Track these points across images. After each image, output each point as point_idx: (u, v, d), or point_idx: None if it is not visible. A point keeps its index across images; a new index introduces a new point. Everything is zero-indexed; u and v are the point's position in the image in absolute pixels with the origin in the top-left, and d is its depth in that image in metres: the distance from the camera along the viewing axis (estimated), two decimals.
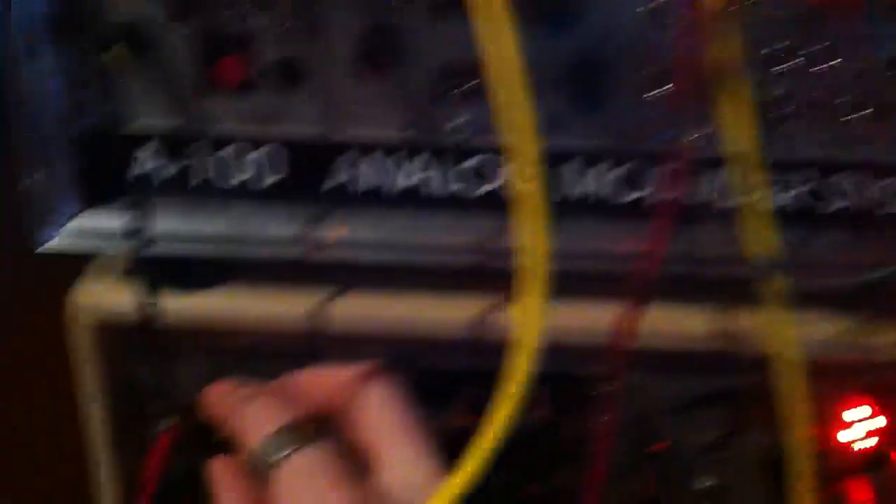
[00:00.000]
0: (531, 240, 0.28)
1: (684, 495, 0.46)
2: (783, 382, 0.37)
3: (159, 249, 0.39)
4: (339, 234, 0.39)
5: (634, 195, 0.40)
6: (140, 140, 0.39)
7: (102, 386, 0.42)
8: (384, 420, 0.34)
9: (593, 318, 0.41)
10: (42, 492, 0.65)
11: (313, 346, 0.42)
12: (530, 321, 0.28)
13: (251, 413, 0.34)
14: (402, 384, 0.36)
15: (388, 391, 0.35)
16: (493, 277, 0.41)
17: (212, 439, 0.40)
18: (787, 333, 0.37)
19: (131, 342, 0.42)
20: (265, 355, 0.43)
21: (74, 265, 0.41)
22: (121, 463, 0.44)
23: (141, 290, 0.40)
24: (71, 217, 0.38)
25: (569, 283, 0.40)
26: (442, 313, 0.41)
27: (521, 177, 0.29)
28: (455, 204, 0.40)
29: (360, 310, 0.41)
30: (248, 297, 0.41)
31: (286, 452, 0.32)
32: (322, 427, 0.34)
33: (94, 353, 0.41)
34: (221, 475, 0.38)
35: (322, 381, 0.36)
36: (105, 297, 0.40)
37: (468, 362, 0.42)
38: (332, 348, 0.42)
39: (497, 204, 0.40)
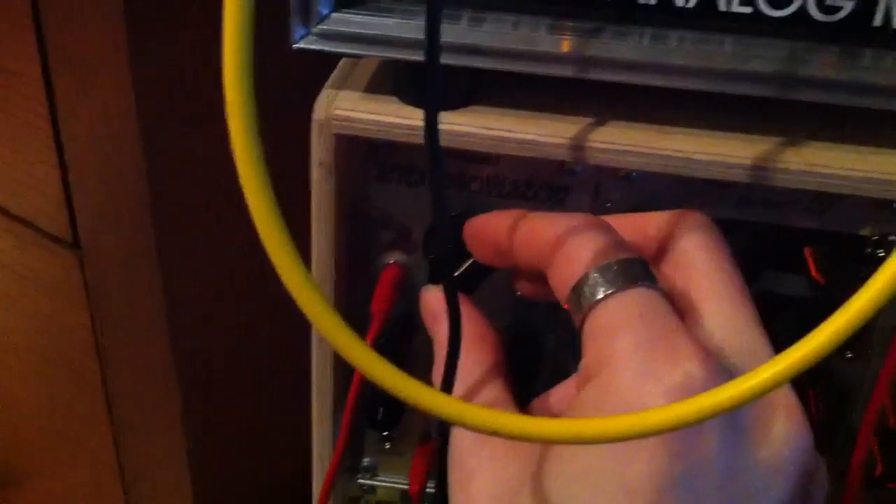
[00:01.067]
0: None
1: None
2: None
3: (414, 58, 0.35)
4: (614, 53, 0.35)
5: None
6: None
7: (336, 201, 0.39)
8: (704, 270, 0.31)
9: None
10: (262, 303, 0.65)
11: (571, 177, 0.38)
12: None
13: (577, 244, 0.30)
14: (721, 234, 0.32)
15: (710, 239, 0.31)
16: (782, 113, 0.37)
17: (454, 272, 0.38)
18: None
19: (373, 159, 0.39)
20: (515, 187, 0.39)
21: (328, 67, 0.38)
22: (345, 291, 0.42)
23: (389, 102, 0.37)
24: (327, 16, 0.35)
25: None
26: (719, 151, 0.36)
27: None
28: (751, 25, 0.35)
29: (627, 141, 0.36)
30: (504, 118, 0.37)
31: (617, 287, 0.29)
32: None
33: (333, 164, 0.38)
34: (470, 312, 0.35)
35: (634, 223, 0.33)
36: (351, 105, 0.37)
37: (740, 211, 0.38)
38: (591, 181, 0.39)
39: (798, 28, 0.35)
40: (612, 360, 0.28)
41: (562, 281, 0.31)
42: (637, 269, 0.29)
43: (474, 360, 0.35)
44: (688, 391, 0.27)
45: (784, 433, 0.29)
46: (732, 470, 0.28)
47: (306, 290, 0.24)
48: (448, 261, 0.35)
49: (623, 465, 0.27)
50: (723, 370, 0.28)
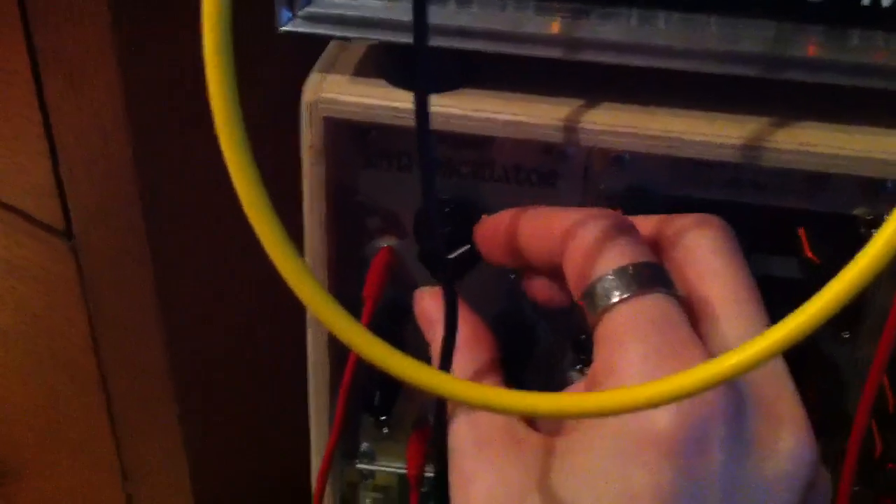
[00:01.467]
0: None
1: None
2: None
3: (401, 40, 0.35)
4: (602, 34, 0.35)
5: None
6: None
7: (326, 186, 0.38)
8: (719, 274, 0.30)
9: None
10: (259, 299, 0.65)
11: (562, 161, 0.38)
12: None
13: (596, 242, 0.30)
14: (735, 237, 0.31)
15: (725, 243, 0.31)
16: (773, 93, 0.36)
17: (445, 259, 0.38)
18: None
19: (362, 144, 0.39)
20: (505, 172, 0.39)
21: (315, 50, 0.38)
22: (338, 277, 0.42)
23: (378, 85, 0.37)
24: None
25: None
26: (710, 132, 0.36)
27: None
28: (738, 5, 0.35)
29: (617, 122, 0.36)
30: (493, 100, 0.37)
31: (632, 292, 0.29)
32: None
33: (322, 149, 0.38)
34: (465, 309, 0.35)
35: (650, 224, 0.32)
36: (338, 88, 0.37)
37: (731, 192, 0.38)
38: (581, 164, 0.38)
39: (786, 8, 0.35)
40: (619, 369, 0.28)
41: (579, 277, 0.30)
42: (654, 275, 0.29)
43: (470, 358, 0.35)
44: (695, 405, 0.27)
45: (790, 448, 0.28)
46: (736, 483, 0.28)
47: (297, 271, 0.24)
48: (439, 246, 0.35)
49: (628, 472, 0.27)
50: (730, 385, 0.28)
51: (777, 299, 0.40)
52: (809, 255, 0.38)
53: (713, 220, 0.32)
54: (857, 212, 0.38)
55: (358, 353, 0.25)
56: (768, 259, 0.39)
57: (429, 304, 0.36)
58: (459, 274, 0.39)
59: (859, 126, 0.36)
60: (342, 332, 0.25)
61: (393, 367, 0.26)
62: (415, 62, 0.28)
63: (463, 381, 0.27)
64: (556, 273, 0.32)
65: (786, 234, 0.38)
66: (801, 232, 0.38)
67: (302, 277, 0.24)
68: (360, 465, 0.49)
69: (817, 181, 0.38)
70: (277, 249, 0.24)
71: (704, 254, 0.31)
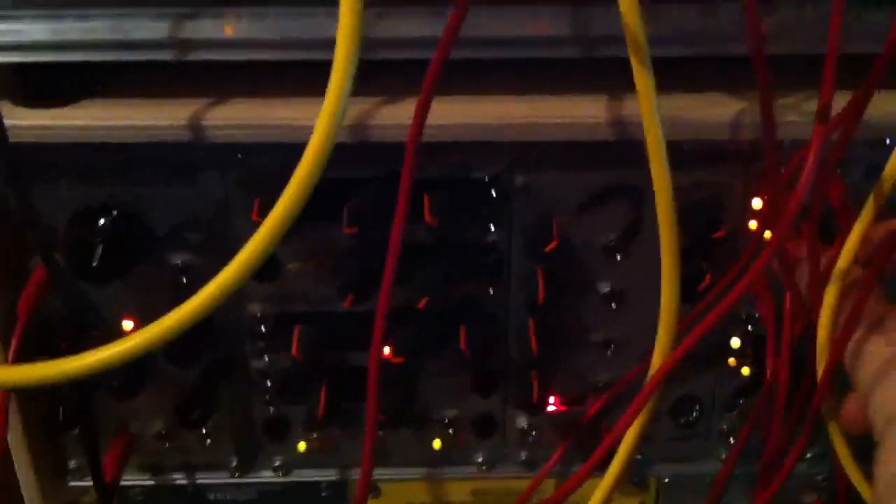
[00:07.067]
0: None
1: (584, 299, 0.45)
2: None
3: (13, 57, 0.36)
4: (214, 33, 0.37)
5: None
6: None
7: None
8: None
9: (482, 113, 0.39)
10: None
11: (196, 156, 0.40)
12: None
13: None
14: None
15: None
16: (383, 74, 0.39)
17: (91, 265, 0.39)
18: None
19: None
20: (153, 173, 0.41)
21: None
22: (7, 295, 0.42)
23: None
24: None
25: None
26: (315, 115, 0.38)
27: None
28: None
29: (240, 115, 0.38)
30: (117, 107, 0.38)
31: None
32: None
33: None
34: None
35: None
36: None
37: (358, 169, 0.41)
38: (212, 158, 0.40)
39: None
40: None
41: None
42: None
43: None
44: None
45: None
46: None
47: None
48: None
49: None
50: None
51: (414, 265, 0.42)
52: (428, 219, 0.40)
53: None
54: (476, 175, 0.42)
55: None
56: (409, 228, 0.42)
57: None
58: (111, 275, 0.40)
59: (479, 95, 0.39)
60: None
61: None
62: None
63: None
64: None
65: (416, 202, 0.41)
66: (425, 198, 0.41)
67: None
68: (72, 483, 0.49)
69: (438, 149, 0.39)
70: None
71: None
